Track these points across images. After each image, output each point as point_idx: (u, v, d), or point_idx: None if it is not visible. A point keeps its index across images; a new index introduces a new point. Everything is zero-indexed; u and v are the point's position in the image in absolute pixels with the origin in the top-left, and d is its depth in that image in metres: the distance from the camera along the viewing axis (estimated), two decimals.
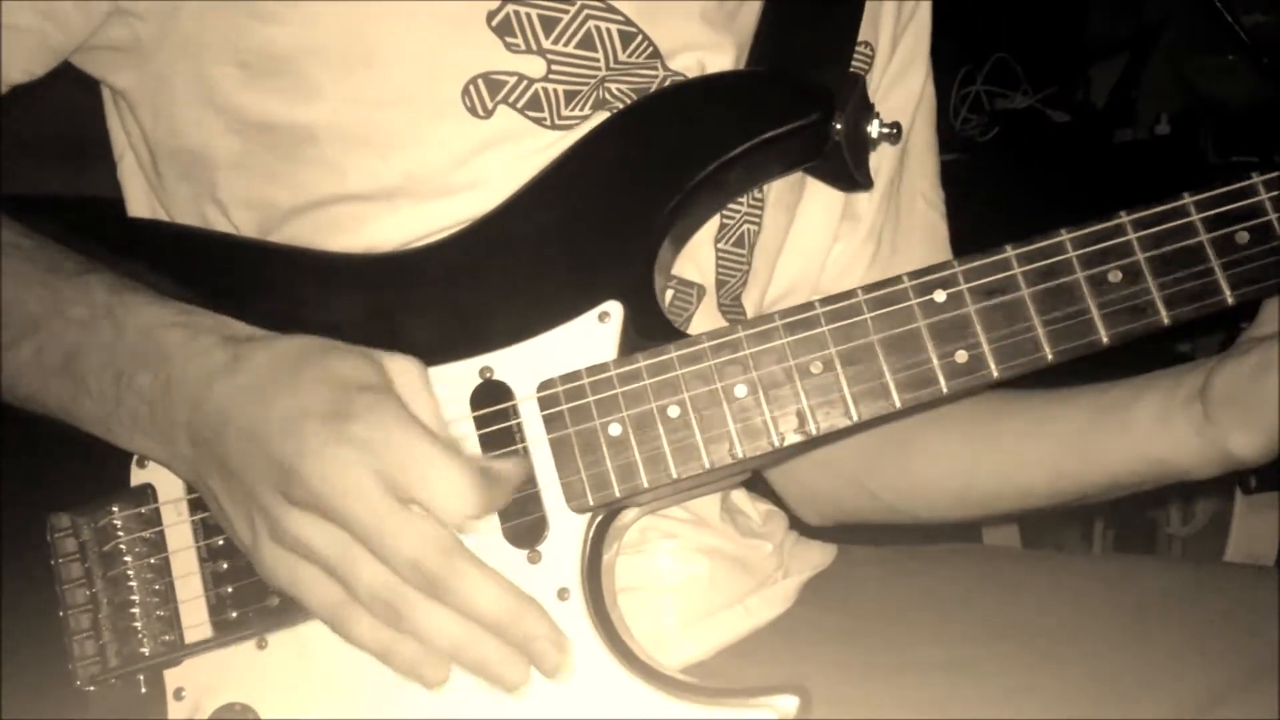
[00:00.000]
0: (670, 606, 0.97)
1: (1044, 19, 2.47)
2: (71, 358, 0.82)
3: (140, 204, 0.98)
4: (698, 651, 0.98)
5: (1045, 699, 0.91)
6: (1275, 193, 0.78)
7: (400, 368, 0.78)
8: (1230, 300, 0.79)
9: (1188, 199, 0.79)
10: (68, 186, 1.01)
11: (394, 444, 0.74)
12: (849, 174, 0.92)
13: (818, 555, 1.09)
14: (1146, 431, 0.90)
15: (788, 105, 0.88)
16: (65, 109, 0.98)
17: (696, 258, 0.96)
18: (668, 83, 0.92)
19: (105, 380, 0.81)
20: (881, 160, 1.00)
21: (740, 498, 1.06)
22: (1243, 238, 0.78)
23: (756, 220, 0.99)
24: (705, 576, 0.98)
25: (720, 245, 0.97)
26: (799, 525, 1.12)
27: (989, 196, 1.94)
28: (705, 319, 0.96)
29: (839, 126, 0.89)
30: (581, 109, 0.90)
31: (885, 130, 0.91)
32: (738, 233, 0.98)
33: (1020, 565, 1.09)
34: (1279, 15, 2.15)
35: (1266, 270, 0.78)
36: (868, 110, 0.91)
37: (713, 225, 0.96)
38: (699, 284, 0.97)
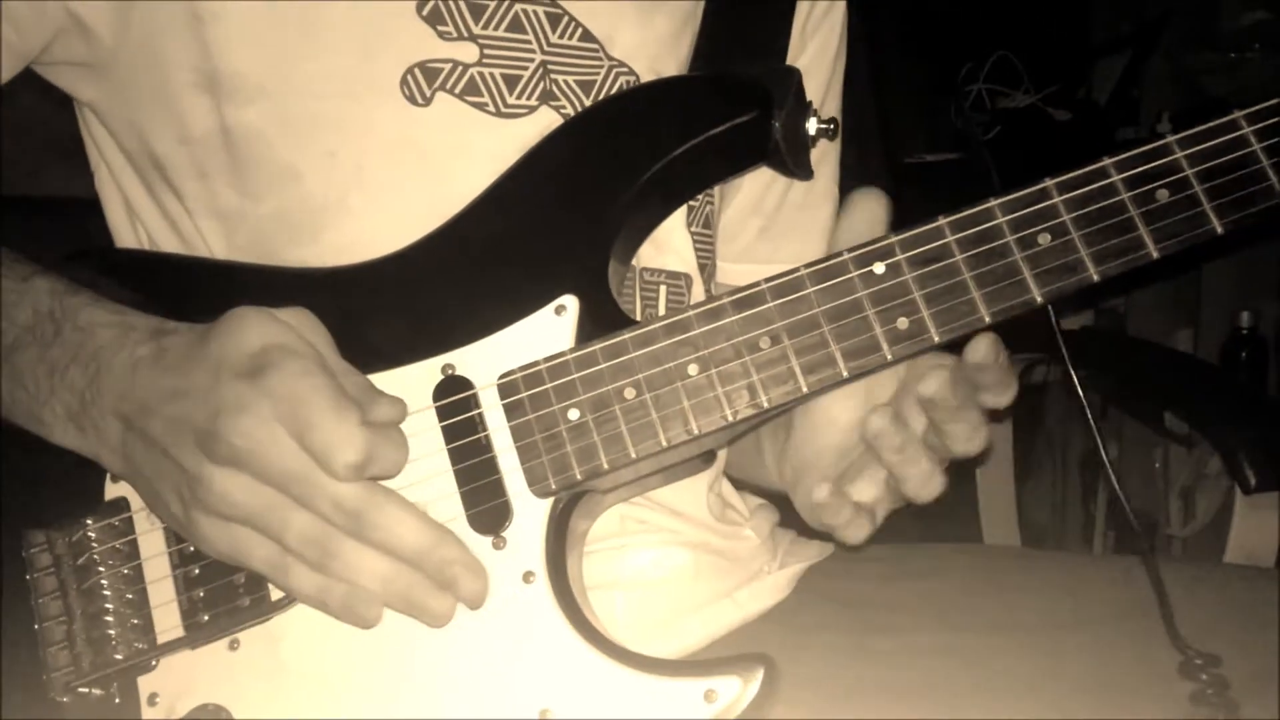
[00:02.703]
0: (656, 601, 0.98)
1: (1046, 17, 2.49)
2: (10, 353, 0.85)
3: (116, 213, 1.01)
4: (687, 644, 0.99)
5: (1041, 692, 0.92)
6: (1188, 150, 0.82)
7: (297, 317, 0.82)
8: (1155, 254, 0.82)
9: (1107, 161, 0.83)
10: (63, 186, 1.04)
11: (296, 396, 0.76)
12: (789, 170, 0.96)
13: (814, 551, 1.10)
14: None
15: (725, 105, 0.92)
16: (58, 109, 1.01)
17: (675, 247, 1.00)
18: (612, 74, 0.97)
19: (40, 374, 0.84)
20: None
21: (728, 493, 1.08)
22: (1162, 195, 0.82)
23: (713, 200, 1.03)
24: (690, 570, 0.99)
25: (693, 229, 1.01)
26: (795, 525, 1.13)
27: (989, 195, 1.96)
28: None
29: (778, 125, 0.93)
30: (528, 98, 0.94)
31: (823, 126, 0.95)
32: (703, 214, 1.02)
33: (1021, 564, 1.10)
34: None
35: (1186, 223, 0.81)
36: (805, 108, 0.95)
37: (680, 211, 0.99)
38: (685, 273, 1.01)
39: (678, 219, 0.99)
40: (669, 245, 0.99)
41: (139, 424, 0.81)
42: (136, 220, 0.99)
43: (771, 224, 1.10)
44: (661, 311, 1.00)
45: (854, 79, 1.14)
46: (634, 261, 0.98)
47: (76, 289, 0.86)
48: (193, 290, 0.94)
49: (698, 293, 1.01)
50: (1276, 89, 0.84)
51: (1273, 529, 1.50)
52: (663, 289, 0.99)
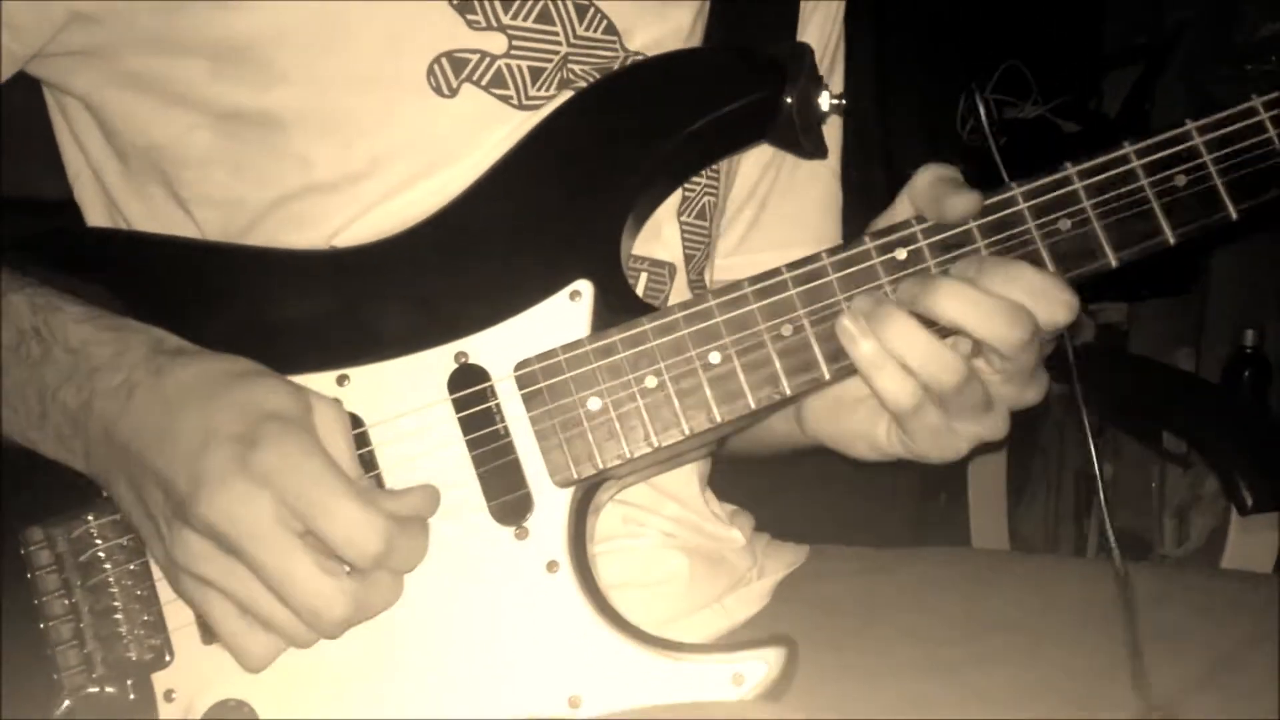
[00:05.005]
0: (651, 603, 0.96)
1: (1058, 27, 2.42)
2: None
3: (97, 216, 0.97)
4: None
5: (1022, 698, 0.93)
6: (1207, 137, 0.83)
7: (322, 406, 0.79)
8: (1171, 240, 0.83)
9: (1128, 147, 0.83)
10: (54, 188, 1.00)
11: (298, 474, 0.74)
12: (799, 146, 0.94)
13: (791, 555, 1.11)
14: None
15: (738, 81, 0.91)
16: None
17: (662, 236, 0.98)
18: (628, 64, 0.95)
19: (30, 396, 0.81)
20: None
21: (709, 497, 1.07)
22: (1180, 180, 0.83)
23: (715, 191, 1.01)
24: (685, 574, 0.99)
25: (684, 219, 0.99)
26: (770, 528, 1.13)
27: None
28: (680, 298, 0.97)
29: (789, 101, 0.92)
30: (548, 89, 0.91)
31: (834, 102, 0.94)
32: (699, 205, 1.00)
33: (1000, 565, 1.11)
34: None
35: (1202, 209, 0.83)
36: (817, 83, 0.93)
37: (674, 200, 0.97)
38: (669, 262, 0.99)
39: (669, 207, 0.97)
40: (657, 233, 0.97)
41: (124, 455, 0.78)
42: (119, 220, 0.96)
43: (762, 211, 1.09)
44: None
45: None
46: None
47: (59, 305, 0.82)
48: (189, 272, 0.91)
49: (680, 283, 0.99)
50: None
51: (1268, 550, 1.48)
52: (643, 276, 0.97)
